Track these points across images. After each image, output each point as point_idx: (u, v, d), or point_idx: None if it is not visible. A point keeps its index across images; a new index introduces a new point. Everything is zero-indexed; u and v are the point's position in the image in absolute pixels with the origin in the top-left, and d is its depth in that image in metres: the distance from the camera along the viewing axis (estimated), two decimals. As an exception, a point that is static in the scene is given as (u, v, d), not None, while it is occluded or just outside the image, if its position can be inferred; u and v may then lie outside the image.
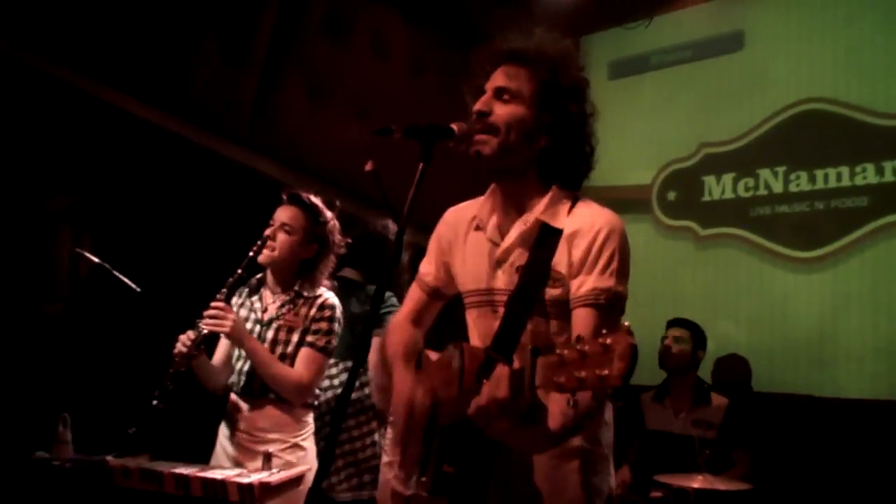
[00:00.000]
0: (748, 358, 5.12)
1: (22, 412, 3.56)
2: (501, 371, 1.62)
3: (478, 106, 1.99)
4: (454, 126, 1.93)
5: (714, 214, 5.61)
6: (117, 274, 3.55)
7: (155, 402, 2.72)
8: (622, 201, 5.60)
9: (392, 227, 3.65)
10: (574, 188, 2.06)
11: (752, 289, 5.37)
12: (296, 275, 3.06)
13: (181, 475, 2.42)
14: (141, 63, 4.27)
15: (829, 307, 5.02)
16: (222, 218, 3.24)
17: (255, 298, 3.10)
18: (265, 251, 2.97)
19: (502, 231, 2.05)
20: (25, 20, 3.85)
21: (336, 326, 3.02)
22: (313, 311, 3.00)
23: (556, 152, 2.01)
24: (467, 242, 2.14)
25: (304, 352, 2.96)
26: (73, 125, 4.07)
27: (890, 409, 4.57)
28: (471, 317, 2.12)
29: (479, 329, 2.08)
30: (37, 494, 2.57)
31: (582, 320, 1.87)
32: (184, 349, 2.81)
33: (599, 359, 1.36)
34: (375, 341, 3.31)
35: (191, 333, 2.84)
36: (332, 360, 3.53)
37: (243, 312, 3.07)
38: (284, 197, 3.06)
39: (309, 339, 2.97)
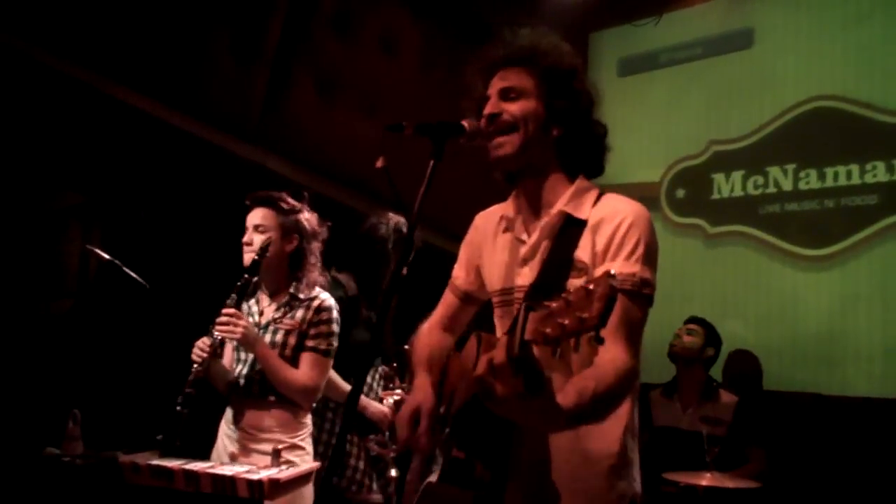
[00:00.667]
0: (757, 356, 5.11)
1: (32, 409, 3.58)
2: (501, 339, 1.60)
3: (488, 109, 1.99)
4: (465, 123, 1.93)
5: (723, 212, 5.60)
6: (127, 271, 3.56)
7: (179, 408, 2.73)
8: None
9: (389, 219, 3.63)
10: (598, 173, 2.06)
11: (761, 287, 5.36)
12: (287, 274, 3.06)
13: (191, 471, 2.42)
14: (151, 60, 4.28)
15: (838, 305, 5.01)
16: (232, 215, 3.25)
17: (251, 302, 3.10)
18: (246, 254, 2.98)
19: (529, 229, 2.04)
20: (36, 17, 3.86)
21: (335, 327, 3.03)
22: (310, 314, 3.00)
23: (572, 139, 2.01)
24: (496, 245, 2.13)
25: (308, 356, 2.97)
26: (83, 122, 4.08)
27: (899, 409, 4.57)
28: (496, 317, 2.12)
29: (503, 328, 2.07)
30: (47, 491, 2.58)
31: None
32: (204, 355, 2.83)
33: (581, 304, 1.35)
34: None
35: (206, 339, 2.87)
36: None
37: None
38: (248, 202, 3.06)
39: (310, 343, 2.98)
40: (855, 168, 5.08)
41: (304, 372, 2.95)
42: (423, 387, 2.03)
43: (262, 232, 2.99)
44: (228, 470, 2.46)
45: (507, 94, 2.00)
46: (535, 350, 1.45)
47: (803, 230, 5.23)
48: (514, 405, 1.54)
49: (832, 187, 5.17)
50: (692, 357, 4.49)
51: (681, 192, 5.81)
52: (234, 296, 2.91)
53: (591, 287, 1.35)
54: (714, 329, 4.60)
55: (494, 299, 2.11)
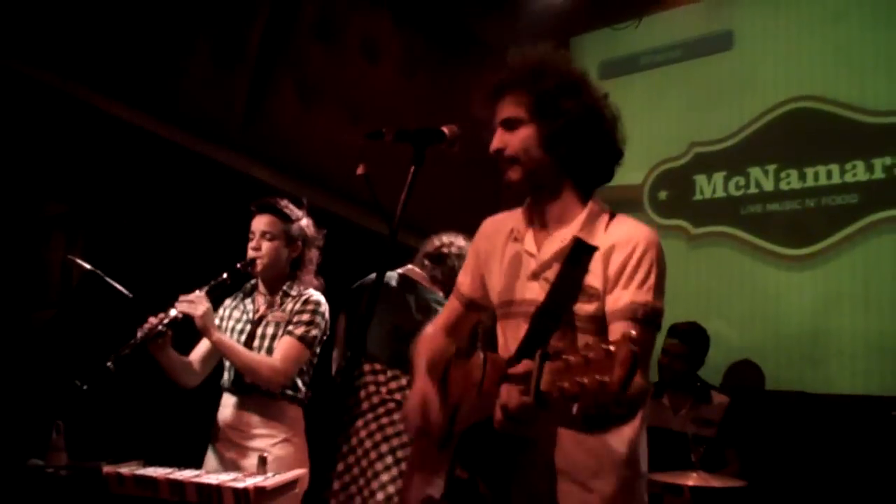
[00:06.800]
0: (741, 356, 5.12)
1: (15, 420, 3.55)
2: (509, 389, 1.65)
3: (493, 145, 2.02)
4: (445, 129, 1.94)
5: (705, 213, 5.63)
6: (109, 280, 3.54)
7: (109, 364, 2.80)
8: (614, 201, 5.54)
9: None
10: (607, 180, 2.11)
11: (744, 287, 5.39)
12: (287, 277, 3.16)
13: (176, 480, 2.41)
14: (132, 68, 4.26)
15: (821, 304, 5.04)
16: (215, 223, 3.25)
17: (248, 301, 3.20)
18: (257, 262, 3.07)
19: (539, 243, 2.05)
20: (16, 26, 3.84)
21: (318, 319, 3.08)
22: (298, 305, 3.08)
23: (577, 155, 2.02)
24: (505, 254, 2.13)
25: (282, 339, 3.03)
26: (65, 131, 4.06)
27: (881, 405, 4.59)
28: (501, 328, 2.12)
29: (508, 340, 2.08)
30: (31, 502, 2.56)
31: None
32: (152, 322, 2.89)
33: (601, 364, 1.36)
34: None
35: (162, 315, 2.93)
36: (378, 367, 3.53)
37: (236, 314, 3.16)
38: (254, 208, 3.14)
39: (289, 328, 3.05)
40: (835, 168, 5.12)
41: (274, 354, 3.00)
42: (425, 386, 2.07)
43: (269, 239, 3.07)
44: (214, 479, 2.45)
45: (508, 125, 2.02)
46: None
47: (785, 230, 5.26)
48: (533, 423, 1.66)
49: (813, 187, 5.20)
50: (678, 380, 4.41)
51: (663, 194, 5.84)
52: (206, 287, 2.99)
53: (612, 349, 1.36)
54: (697, 334, 4.49)
55: (500, 310, 2.12)
